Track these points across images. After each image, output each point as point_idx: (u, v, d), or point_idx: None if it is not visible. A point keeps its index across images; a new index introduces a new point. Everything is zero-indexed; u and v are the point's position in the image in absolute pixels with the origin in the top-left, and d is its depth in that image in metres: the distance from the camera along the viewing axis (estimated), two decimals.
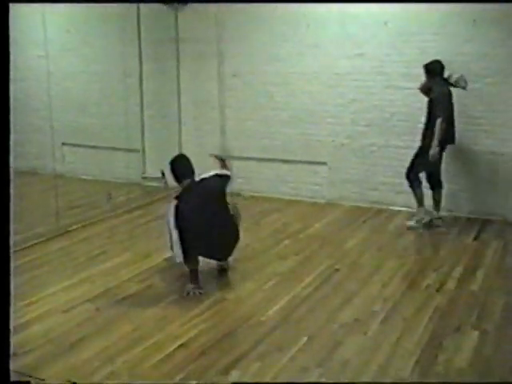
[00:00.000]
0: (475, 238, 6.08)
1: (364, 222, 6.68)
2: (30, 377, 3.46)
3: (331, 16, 7.10)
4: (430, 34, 6.64)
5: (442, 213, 6.49)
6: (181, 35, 8.03)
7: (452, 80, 6.10)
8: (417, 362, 3.64)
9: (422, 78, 6.48)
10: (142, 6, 7.99)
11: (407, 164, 6.58)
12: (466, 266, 5.28)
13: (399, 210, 6.94)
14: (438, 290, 4.75)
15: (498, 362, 3.68)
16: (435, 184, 6.36)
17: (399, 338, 3.96)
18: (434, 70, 6.12)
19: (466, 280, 4.96)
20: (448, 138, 6.11)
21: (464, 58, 6.52)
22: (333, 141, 7.36)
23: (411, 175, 6.28)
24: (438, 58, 6.51)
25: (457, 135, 6.28)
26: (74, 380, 3.48)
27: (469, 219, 6.64)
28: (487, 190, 6.66)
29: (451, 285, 4.86)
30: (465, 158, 6.71)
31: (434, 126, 5.98)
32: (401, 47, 6.80)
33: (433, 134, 5.98)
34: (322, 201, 7.48)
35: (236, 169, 7.99)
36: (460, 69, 6.52)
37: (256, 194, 7.72)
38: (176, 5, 7.87)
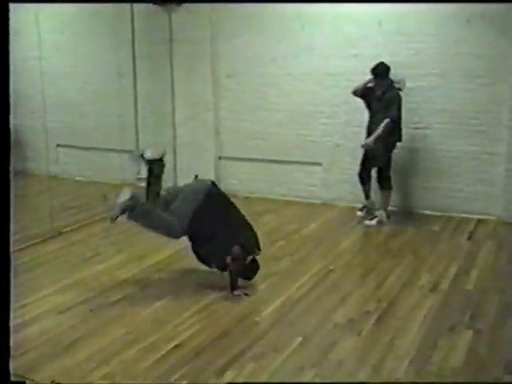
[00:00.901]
0: (469, 238, 6.10)
1: (359, 222, 6.69)
2: (26, 378, 3.45)
3: (326, 17, 7.10)
4: (424, 35, 6.66)
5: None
6: (175, 36, 8.02)
7: (397, 84, 6.37)
8: (411, 361, 3.65)
9: (417, 78, 6.52)
10: (136, 6, 7.99)
11: (402, 164, 6.62)
12: (460, 266, 5.30)
13: (394, 210, 6.94)
14: (432, 290, 4.77)
15: (493, 361, 3.69)
16: (384, 183, 6.54)
17: (393, 338, 3.97)
18: (382, 72, 6.32)
19: (460, 280, 4.98)
20: (397, 137, 6.41)
21: (457, 58, 6.55)
22: (328, 141, 7.37)
23: (363, 174, 6.60)
24: (431, 58, 6.58)
25: (449, 135, 6.51)
26: (68, 381, 3.48)
27: (462, 219, 6.66)
28: (481, 189, 6.68)
29: (445, 285, 4.88)
30: (458, 158, 6.73)
31: (379, 123, 6.25)
32: (395, 48, 6.81)
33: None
34: (317, 201, 7.49)
35: (231, 170, 8.05)
36: (454, 68, 6.57)
37: (251, 195, 7.73)
38: (170, 5, 7.87)
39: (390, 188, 6.58)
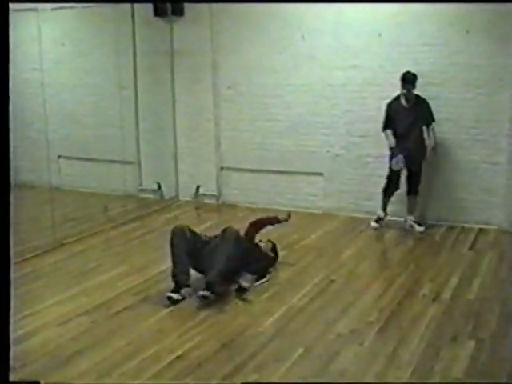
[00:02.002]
0: (471, 248, 6.09)
1: (360, 232, 6.69)
2: None
3: (326, 27, 7.14)
4: (423, 45, 6.69)
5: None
6: (176, 47, 8.06)
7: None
8: (413, 371, 3.64)
9: (417, 88, 6.53)
10: (137, 18, 8.03)
11: (402, 174, 6.61)
12: (462, 276, 5.29)
13: (395, 220, 6.95)
14: (434, 300, 4.76)
15: (495, 371, 3.68)
16: (415, 187, 6.60)
17: (396, 348, 3.96)
18: (414, 80, 6.39)
19: (461, 289, 4.97)
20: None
21: (456, 68, 6.57)
22: (328, 152, 7.38)
23: (392, 185, 6.66)
24: (431, 68, 6.61)
25: (449, 144, 6.61)
26: None
27: (464, 228, 6.65)
28: (482, 199, 6.68)
29: (447, 294, 4.87)
30: (459, 168, 6.74)
31: (421, 129, 6.45)
32: (394, 58, 6.84)
33: (421, 137, 6.45)
34: (318, 211, 7.49)
35: (232, 180, 8.06)
36: (453, 78, 6.60)
37: (251, 206, 7.73)
38: (171, 17, 7.91)
39: (418, 193, 6.62)
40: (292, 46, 7.38)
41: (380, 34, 6.87)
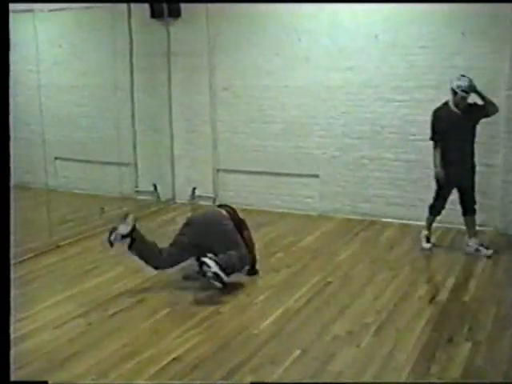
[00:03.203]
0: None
1: (356, 234, 6.70)
2: None
3: (322, 29, 7.15)
4: (420, 48, 6.70)
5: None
6: (172, 49, 8.07)
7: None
8: (410, 373, 3.65)
9: (413, 90, 6.53)
10: (134, 19, 8.04)
11: (399, 175, 6.59)
12: (458, 277, 5.30)
13: (391, 222, 6.96)
14: (430, 302, 4.77)
15: (491, 372, 3.69)
16: (472, 205, 5.95)
17: (392, 349, 3.97)
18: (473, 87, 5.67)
19: (458, 291, 4.98)
20: None
21: (453, 70, 6.55)
22: (324, 153, 7.39)
23: (441, 203, 5.97)
24: (427, 70, 6.61)
25: None
26: None
27: (460, 230, 6.66)
28: (478, 201, 6.67)
29: (443, 296, 4.88)
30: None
31: (473, 140, 5.80)
32: (391, 60, 6.86)
33: (473, 148, 5.80)
34: (314, 213, 7.50)
35: (228, 182, 8.06)
36: (449, 81, 6.59)
37: (248, 207, 7.72)
38: (167, 19, 7.92)
39: (475, 212, 5.95)
40: (288, 47, 7.38)
41: (376, 36, 6.88)
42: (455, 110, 5.73)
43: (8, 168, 2.31)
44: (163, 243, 5.17)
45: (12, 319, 4.45)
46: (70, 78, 8.78)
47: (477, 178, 6.00)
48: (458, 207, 6.40)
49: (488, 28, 6.40)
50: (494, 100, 5.78)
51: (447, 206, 6.01)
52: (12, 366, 3.71)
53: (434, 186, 6.25)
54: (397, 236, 6.57)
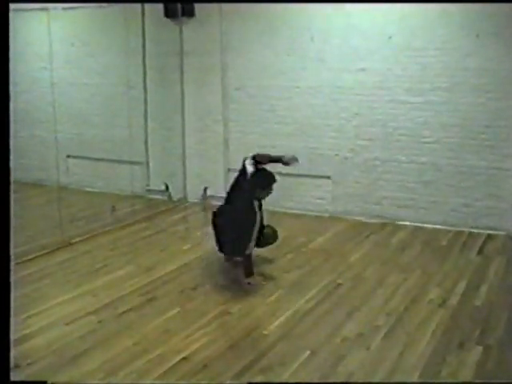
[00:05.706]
0: (478, 253, 6.06)
1: (367, 236, 6.67)
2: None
3: (335, 29, 7.13)
4: (433, 49, 6.67)
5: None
6: (185, 48, 8.07)
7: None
8: (420, 376, 3.63)
9: (426, 93, 6.49)
10: (147, 19, 8.06)
11: (411, 178, 6.54)
12: (470, 281, 5.27)
13: (402, 225, 6.93)
14: (441, 305, 4.74)
15: (502, 377, 3.66)
16: None
17: (402, 352, 3.95)
18: None
19: (469, 295, 4.95)
20: None
21: (466, 72, 6.55)
22: (336, 155, 7.38)
23: None
24: (440, 72, 6.56)
25: (458, 149, 6.42)
26: None
27: (472, 234, 6.63)
28: (490, 204, 6.66)
29: (454, 300, 4.85)
30: (467, 173, 6.71)
31: None
32: (404, 62, 6.82)
33: None
34: (326, 215, 7.48)
35: None
36: (462, 83, 6.57)
37: None
38: (181, 18, 7.93)
39: None
40: (301, 47, 7.37)
41: (390, 37, 6.85)
42: None
43: (8, 168, 2.30)
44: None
45: (23, 315, 4.51)
46: (82, 77, 8.79)
47: (489, 182, 5.90)
48: (469, 210, 6.37)
49: (502, 29, 6.35)
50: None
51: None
52: (23, 362, 3.77)
53: (445, 188, 6.16)
54: (408, 238, 6.53)
